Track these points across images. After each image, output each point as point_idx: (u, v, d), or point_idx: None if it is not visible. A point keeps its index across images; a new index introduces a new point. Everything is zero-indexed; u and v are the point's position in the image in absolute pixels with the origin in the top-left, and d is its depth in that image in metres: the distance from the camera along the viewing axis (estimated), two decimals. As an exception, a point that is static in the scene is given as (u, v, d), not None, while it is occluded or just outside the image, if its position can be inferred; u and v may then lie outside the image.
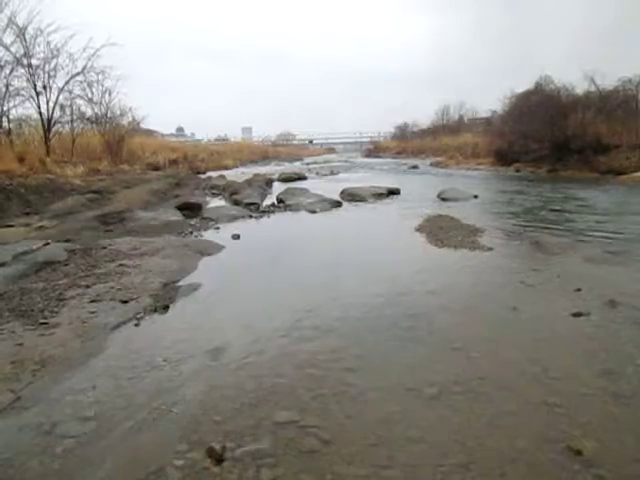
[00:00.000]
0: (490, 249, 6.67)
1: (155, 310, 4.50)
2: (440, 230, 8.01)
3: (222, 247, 7.20)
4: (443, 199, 12.63)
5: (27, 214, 10.10)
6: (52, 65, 17.82)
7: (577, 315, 4.15)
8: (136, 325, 4.16)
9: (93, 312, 4.35)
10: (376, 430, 2.55)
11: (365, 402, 2.83)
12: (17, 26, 16.26)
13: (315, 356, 3.47)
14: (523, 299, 4.64)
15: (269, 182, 18.36)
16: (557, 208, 10.59)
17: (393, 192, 14.03)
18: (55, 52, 17.71)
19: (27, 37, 16.67)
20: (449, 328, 3.97)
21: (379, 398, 2.87)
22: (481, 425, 2.57)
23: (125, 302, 4.62)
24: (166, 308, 4.55)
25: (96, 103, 21.15)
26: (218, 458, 2.32)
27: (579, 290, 4.78)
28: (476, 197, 12.83)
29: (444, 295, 4.81)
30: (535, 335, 3.81)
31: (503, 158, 24.39)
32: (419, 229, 8.30)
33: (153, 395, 2.95)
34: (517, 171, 22.20)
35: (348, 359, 3.42)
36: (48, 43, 17.40)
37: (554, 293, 4.83)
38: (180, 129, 74.57)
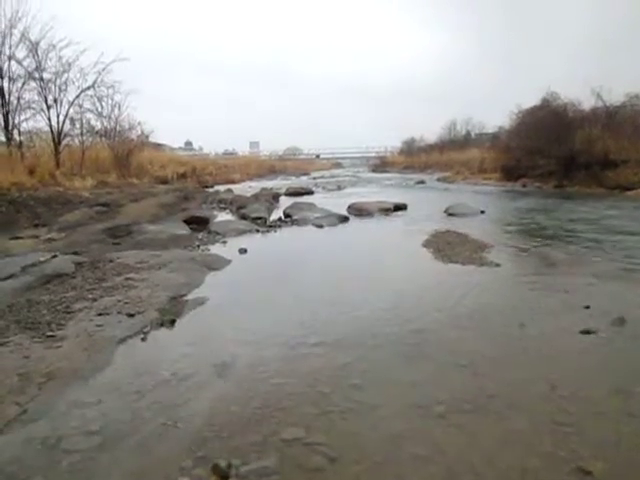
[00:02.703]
0: (498, 265, 6.64)
1: (162, 324, 4.50)
2: (447, 245, 7.98)
3: (229, 261, 7.20)
4: (450, 214, 12.60)
5: (36, 226, 10.19)
6: (63, 79, 18.21)
7: (586, 332, 4.10)
8: (143, 339, 4.16)
9: (100, 325, 4.35)
10: (383, 448, 2.52)
11: (372, 419, 2.81)
12: (30, 41, 16.60)
13: (321, 372, 3.45)
14: (531, 316, 4.60)
15: (276, 196, 18.43)
16: (564, 224, 10.54)
17: (400, 207, 14.02)
18: (66, 66, 18.09)
19: (39, 52, 17.02)
20: (456, 345, 3.94)
21: (386, 415, 2.84)
22: (490, 444, 2.54)
23: (132, 316, 4.62)
24: (173, 322, 4.55)
25: (105, 117, 21.52)
26: (223, 475, 2.30)
27: (587, 307, 4.74)
28: (483, 212, 12.79)
29: (451, 311, 4.78)
30: (543, 352, 3.77)
31: (510, 173, 24.36)
32: (426, 244, 8.27)
33: (159, 410, 2.94)
34: (524, 186, 22.15)
35: (354, 375, 3.39)
36: (60, 58, 17.78)
37: (562, 310, 4.79)
38: (188, 143, 75.22)
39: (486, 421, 2.76)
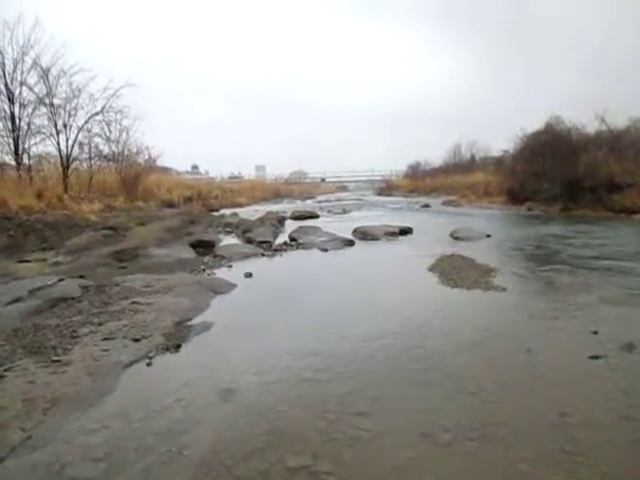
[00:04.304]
0: (504, 289, 6.61)
1: (167, 349, 4.49)
2: (453, 270, 7.96)
3: (234, 285, 7.21)
4: (456, 238, 12.59)
5: (43, 249, 10.27)
6: (73, 105, 18.69)
7: (594, 358, 4.06)
8: (148, 364, 4.15)
9: (105, 350, 4.35)
10: (390, 477, 2.49)
11: (379, 447, 2.78)
12: (41, 67, 17.04)
13: (327, 398, 3.43)
14: (538, 341, 4.56)
15: (282, 220, 18.48)
16: (571, 248, 10.49)
17: (405, 231, 14.00)
18: (76, 92, 18.53)
19: (50, 78, 17.47)
20: (463, 371, 3.91)
21: (393, 443, 2.81)
22: (498, 473, 2.51)
23: (137, 340, 4.62)
24: (178, 347, 4.54)
25: (114, 141, 21.90)
26: (228, 504, 2.28)
27: (596, 332, 4.70)
28: (489, 236, 12.76)
29: (458, 337, 4.75)
30: (551, 378, 3.73)
31: (515, 197, 24.36)
32: (432, 269, 8.26)
33: (164, 436, 2.92)
34: (529, 210, 22.10)
35: (361, 402, 3.37)
36: (70, 84, 18.23)
37: (570, 335, 4.75)
38: (195, 167, 75.72)
39: (493, 450, 2.73)
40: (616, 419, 3.07)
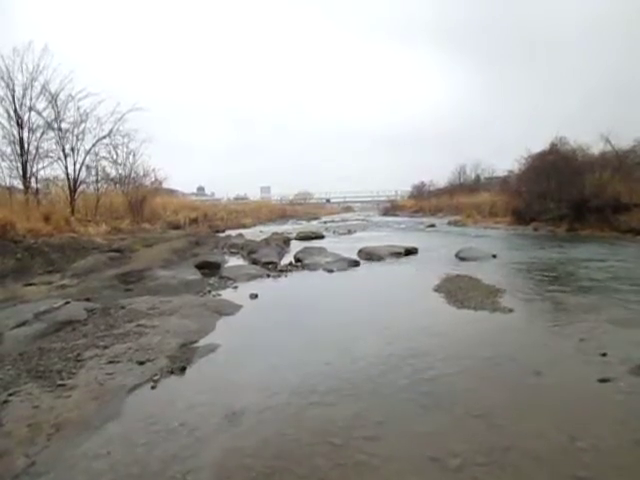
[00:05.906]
0: (511, 310, 6.56)
1: (172, 372, 4.47)
2: (459, 290, 7.93)
3: (240, 307, 7.19)
4: (461, 258, 12.55)
5: (49, 272, 10.30)
6: (80, 129, 19.02)
7: (604, 381, 4.01)
8: (153, 387, 4.12)
9: (110, 373, 4.33)
10: (397, 504, 2.45)
11: (387, 473, 2.73)
12: (50, 93, 17.39)
13: (334, 422, 3.39)
14: (546, 363, 4.51)
15: (287, 241, 18.49)
16: (578, 269, 10.43)
17: (411, 251, 13.97)
18: (84, 116, 18.88)
19: (59, 103, 17.81)
20: (471, 394, 3.86)
21: (401, 469, 2.76)
22: (508, 500, 2.46)
23: (142, 363, 4.60)
24: (183, 370, 4.52)
25: (120, 164, 22.22)
26: (233, 532, 2.24)
27: (604, 354, 4.64)
28: (495, 256, 12.72)
29: (464, 358, 4.71)
30: (560, 402, 3.68)
31: (521, 217, 24.35)
32: (437, 289, 8.22)
33: (168, 462, 2.89)
34: (535, 230, 22.06)
35: (367, 426, 3.32)
36: (78, 108, 18.57)
37: (578, 357, 4.70)
38: (201, 188, 76.40)
39: (504, 475, 2.68)
40: (627, 444, 3.01)
